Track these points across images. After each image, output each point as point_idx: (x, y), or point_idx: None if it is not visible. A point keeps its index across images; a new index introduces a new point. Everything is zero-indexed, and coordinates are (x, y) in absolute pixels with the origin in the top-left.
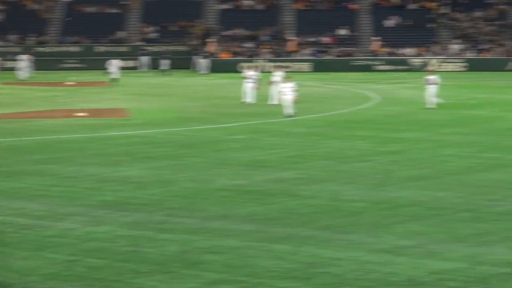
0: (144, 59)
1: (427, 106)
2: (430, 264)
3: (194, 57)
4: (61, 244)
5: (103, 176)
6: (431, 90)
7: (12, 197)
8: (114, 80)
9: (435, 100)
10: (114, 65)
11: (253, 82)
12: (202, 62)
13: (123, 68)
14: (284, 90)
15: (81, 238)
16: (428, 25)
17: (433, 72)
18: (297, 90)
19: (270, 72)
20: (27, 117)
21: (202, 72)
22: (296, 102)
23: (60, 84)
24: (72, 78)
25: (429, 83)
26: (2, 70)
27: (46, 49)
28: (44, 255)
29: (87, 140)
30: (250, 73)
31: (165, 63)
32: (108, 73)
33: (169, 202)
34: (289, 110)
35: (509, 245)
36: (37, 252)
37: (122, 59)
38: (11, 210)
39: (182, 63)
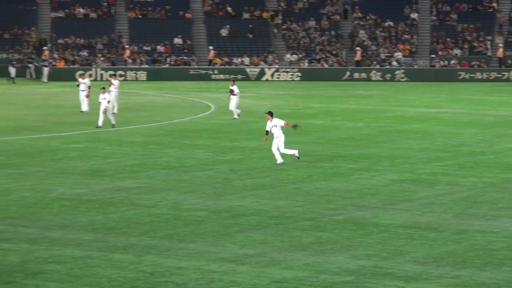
0: None
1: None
2: (273, 273)
3: (30, 65)
4: None
5: None
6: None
7: None
8: None
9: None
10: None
11: (85, 90)
12: (46, 70)
13: None
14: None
15: None
16: (262, 35)
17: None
18: (108, 101)
19: (107, 80)
20: None
21: (45, 80)
22: (105, 112)
23: None
24: None
25: (233, 93)
26: None
27: None
28: None
29: None
30: (82, 81)
31: (13, 71)
32: None
33: (7, 211)
34: (99, 121)
35: (350, 254)
36: None
37: None
38: None
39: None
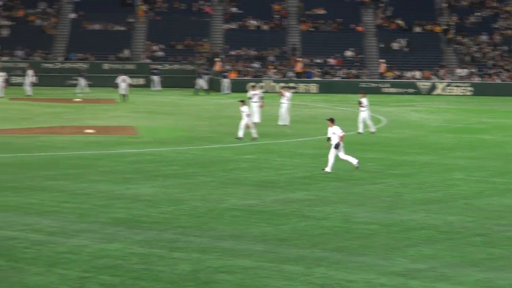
0: (155, 78)
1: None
2: None
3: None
4: (74, 260)
5: (114, 193)
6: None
7: (24, 212)
8: (123, 96)
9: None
10: (123, 81)
11: (257, 101)
12: (225, 82)
13: (130, 86)
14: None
15: (94, 255)
16: (434, 49)
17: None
18: (248, 115)
19: (277, 92)
20: (35, 133)
21: (226, 91)
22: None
23: (67, 100)
24: (79, 95)
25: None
26: (8, 86)
27: (53, 66)
28: (57, 271)
29: (96, 157)
30: (254, 92)
31: (201, 82)
32: (118, 89)
33: (180, 220)
34: (240, 133)
35: None
36: (50, 268)
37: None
38: (24, 226)
39: (188, 82)
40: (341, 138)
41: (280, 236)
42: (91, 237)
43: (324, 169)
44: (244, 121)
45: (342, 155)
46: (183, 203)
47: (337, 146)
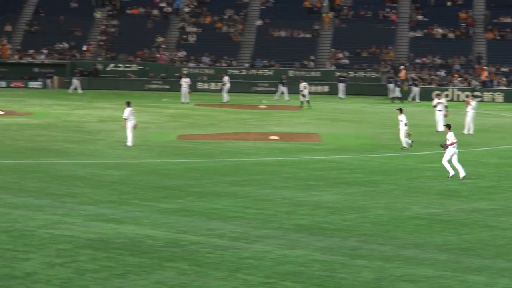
0: (341, 85)
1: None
2: None
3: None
4: (256, 266)
5: (297, 200)
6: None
7: (208, 217)
8: (305, 103)
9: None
10: (305, 88)
11: (442, 110)
12: (415, 90)
13: (313, 93)
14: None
15: (276, 261)
16: None
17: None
18: (406, 124)
19: (463, 101)
20: (221, 139)
21: (417, 100)
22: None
23: (253, 107)
24: (263, 101)
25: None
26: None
27: (239, 72)
28: (239, 276)
29: (280, 163)
30: (439, 101)
31: (396, 90)
32: (299, 96)
33: (363, 228)
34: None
35: None
36: (232, 273)
37: (314, 84)
38: (208, 231)
39: (372, 90)
40: (450, 144)
41: (463, 246)
42: (274, 243)
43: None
44: (402, 131)
45: (445, 160)
46: (366, 211)
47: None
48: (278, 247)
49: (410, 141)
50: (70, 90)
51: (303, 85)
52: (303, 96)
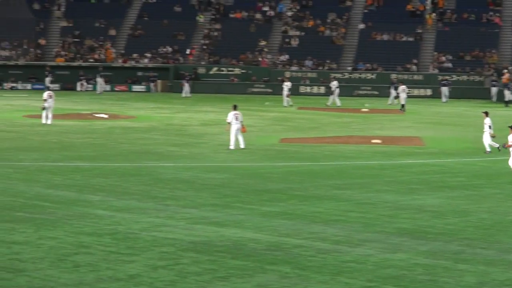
0: (444, 89)
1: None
2: None
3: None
4: (358, 270)
5: (399, 204)
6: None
7: (310, 221)
8: (402, 106)
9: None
10: (403, 91)
11: None
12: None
13: (415, 97)
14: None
15: (378, 265)
16: None
17: None
18: (490, 126)
19: None
20: (323, 142)
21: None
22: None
23: (355, 110)
24: (366, 104)
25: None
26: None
27: (341, 76)
28: (341, 280)
29: (382, 167)
30: None
31: (506, 94)
32: (398, 99)
33: (466, 232)
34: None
35: None
36: (334, 277)
37: (417, 88)
38: (310, 234)
39: (476, 93)
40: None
41: None
42: (376, 247)
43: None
44: (486, 134)
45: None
46: (469, 215)
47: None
48: (380, 251)
49: (497, 145)
50: (183, 94)
51: (402, 88)
52: (401, 99)
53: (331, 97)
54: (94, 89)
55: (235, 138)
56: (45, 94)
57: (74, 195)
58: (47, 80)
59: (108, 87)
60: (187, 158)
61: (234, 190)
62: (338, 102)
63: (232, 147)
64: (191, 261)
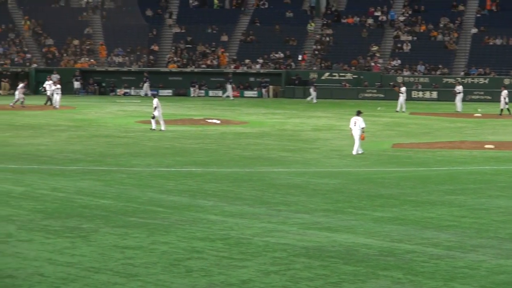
0: None
1: None
2: None
3: None
4: (471, 275)
5: None
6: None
7: (422, 226)
8: (505, 110)
9: None
10: (507, 96)
11: None
12: None
13: None
14: None
15: (491, 271)
16: None
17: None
18: None
19: None
20: (435, 147)
21: None
22: None
23: (468, 115)
24: (478, 109)
25: None
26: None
27: (454, 81)
28: (454, 286)
29: (496, 172)
30: None
31: None
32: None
33: None
34: None
35: None
36: (447, 282)
37: None
38: (422, 240)
39: None
40: None
41: None
42: (489, 253)
43: None
44: None
45: None
46: None
47: None
48: (493, 257)
49: None
50: (308, 99)
51: (505, 92)
52: (505, 103)
53: (457, 102)
54: (206, 94)
55: (358, 143)
56: (155, 101)
57: (186, 200)
58: (145, 86)
59: (220, 93)
60: (299, 163)
61: (346, 196)
62: (459, 107)
63: (354, 152)
64: (303, 267)
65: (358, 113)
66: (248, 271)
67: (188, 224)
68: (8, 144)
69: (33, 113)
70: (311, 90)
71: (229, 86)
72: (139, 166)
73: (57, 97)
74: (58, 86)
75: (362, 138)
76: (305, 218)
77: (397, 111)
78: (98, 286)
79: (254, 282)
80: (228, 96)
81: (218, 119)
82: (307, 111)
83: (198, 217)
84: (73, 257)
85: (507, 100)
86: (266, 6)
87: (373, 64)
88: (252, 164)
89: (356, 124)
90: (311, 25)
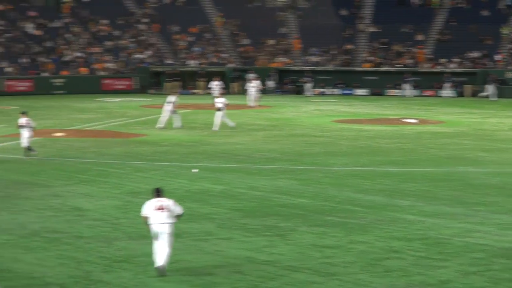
0: None
1: None
2: None
3: None
4: None
5: None
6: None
7: None
8: None
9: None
10: None
11: None
12: None
13: None
14: None
15: None
16: None
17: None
18: None
19: None
20: None
21: None
22: None
23: None
24: None
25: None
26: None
27: None
28: None
29: None
30: None
31: None
32: None
33: None
34: None
35: None
36: None
37: None
38: None
39: None
40: None
41: None
42: None
43: None
44: None
45: None
46: None
47: None
48: None
49: None
50: (484, 94)
51: None
52: None
53: None
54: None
55: None
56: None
57: (383, 200)
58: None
59: (416, 92)
60: (496, 163)
61: None
62: None
63: None
64: (502, 268)
65: None
66: (447, 271)
67: (386, 224)
68: (206, 143)
69: (229, 112)
70: (491, 86)
71: (406, 86)
72: (336, 165)
73: (254, 95)
74: (255, 83)
75: None
76: (503, 219)
77: None
78: (296, 285)
79: (454, 283)
80: (404, 96)
81: (415, 119)
82: (505, 110)
83: (395, 216)
84: (271, 255)
85: None
86: (463, 5)
87: None
88: (449, 164)
89: None
90: (504, 29)
